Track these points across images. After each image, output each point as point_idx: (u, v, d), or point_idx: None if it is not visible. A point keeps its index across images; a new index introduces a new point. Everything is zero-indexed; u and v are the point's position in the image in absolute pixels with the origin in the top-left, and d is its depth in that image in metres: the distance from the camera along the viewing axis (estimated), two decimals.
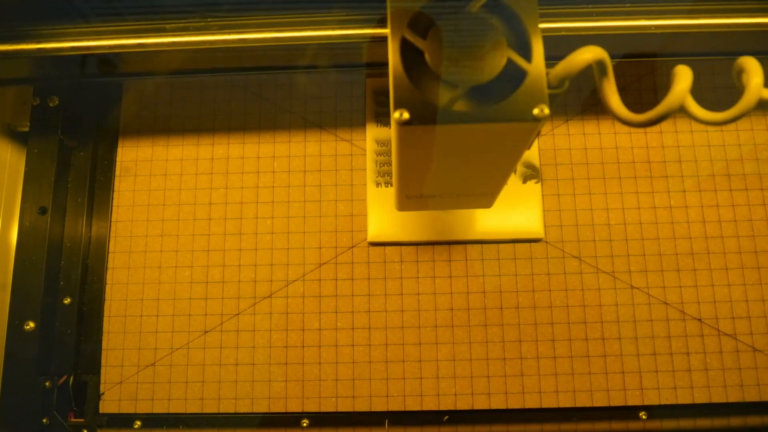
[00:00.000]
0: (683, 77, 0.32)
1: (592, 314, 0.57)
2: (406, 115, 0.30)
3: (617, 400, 0.56)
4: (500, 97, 0.30)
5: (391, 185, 0.59)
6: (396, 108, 0.30)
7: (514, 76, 0.30)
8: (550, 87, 0.31)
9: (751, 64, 0.33)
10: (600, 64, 0.32)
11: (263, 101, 0.63)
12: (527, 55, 0.30)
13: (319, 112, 0.62)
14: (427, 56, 0.30)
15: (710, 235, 0.59)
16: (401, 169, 0.37)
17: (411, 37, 0.31)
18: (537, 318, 0.57)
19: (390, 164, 0.59)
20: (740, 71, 0.33)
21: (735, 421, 0.55)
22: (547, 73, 0.31)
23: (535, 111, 0.30)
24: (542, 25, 0.30)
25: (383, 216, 0.58)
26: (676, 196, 0.59)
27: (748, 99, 0.32)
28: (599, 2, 0.43)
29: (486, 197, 0.44)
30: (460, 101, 0.30)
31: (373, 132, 0.60)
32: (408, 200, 0.43)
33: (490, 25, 0.31)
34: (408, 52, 0.31)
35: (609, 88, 0.33)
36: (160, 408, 0.57)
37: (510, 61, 0.30)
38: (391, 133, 0.41)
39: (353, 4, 0.47)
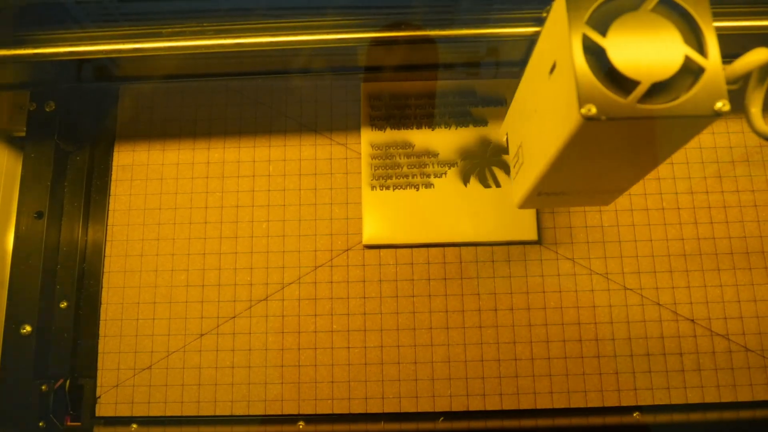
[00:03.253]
0: None
1: (585, 315, 0.58)
2: (593, 110, 0.30)
3: (611, 401, 0.56)
4: (679, 93, 0.31)
5: (387, 188, 0.59)
6: (583, 103, 0.31)
7: (692, 73, 0.31)
8: (727, 83, 0.32)
9: None
10: (765, 68, 0.33)
11: (259, 105, 0.63)
12: (703, 52, 0.31)
13: (315, 116, 0.63)
14: (608, 53, 0.31)
15: (702, 237, 0.59)
16: (556, 165, 0.38)
17: (592, 35, 0.31)
18: (531, 319, 0.58)
19: (386, 167, 0.60)
20: None
21: (728, 420, 0.56)
22: (724, 69, 0.32)
23: (717, 105, 0.31)
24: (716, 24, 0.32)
25: (378, 219, 0.59)
26: (669, 198, 0.60)
27: None
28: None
29: (612, 194, 0.45)
30: (643, 97, 0.31)
31: (368, 136, 0.61)
32: (538, 197, 0.44)
33: (665, 22, 0.32)
34: (585, 49, 0.32)
35: (758, 95, 0.34)
36: (156, 411, 0.57)
37: (687, 58, 0.31)
38: (534, 128, 0.41)
39: (348, 9, 0.48)
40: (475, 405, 0.56)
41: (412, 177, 0.59)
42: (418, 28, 0.48)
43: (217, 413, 0.57)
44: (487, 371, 0.57)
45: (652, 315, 0.58)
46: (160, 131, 0.63)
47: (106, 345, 0.58)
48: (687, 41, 0.32)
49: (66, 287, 0.59)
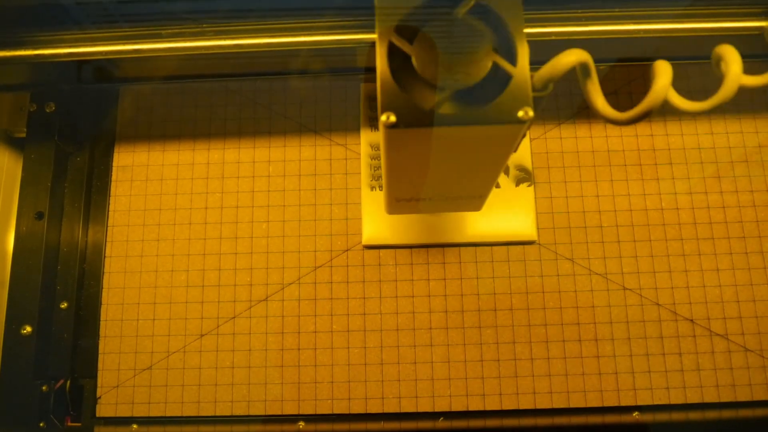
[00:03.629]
0: (664, 72, 0.32)
1: (585, 315, 0.58)
2: (393, 118, 0.30)
3: (611, 401, 0.56)
4: (486, 100, 0.30)
5: None
6: (383, 111, 0.30)
7: (499, 80, 0.31)
8: (534, 90, 0.31)
9: (729, 52, 0.33)
10: (583, 66, 0.32)
11: (258, 106, 0.63)
12: (512, 59, 0.31)
13: (314, 117, 0.63)
14: (414, 60, 0.31)
15: (701, 237, 0.59)
16: (389, 172, 0.38)
17: (398, 42, 0.31)
18: (530, 319, 0.58)
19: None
20: (719, 60, 0.34)
21: (727, 420, 0.56)
22: (532, 77, 0.31)
23: (520, 113, 0.30)
24: (528, 30, 0.31)
25: (378, 219, 0.59)
26: (667, 199, 0.60)
27: (727, 86, 0.33)
28: (586, 7, 0.44)
29: (475, 200, 0.45)
30: (447, 104, 0.31)
31: (367, 136, 0.61)
32: (397, 203, 0.44)
33: (476, 29, 0.32)
34: (395, 56, 0.31)
35: (594, 89, 0.34)
36: (156, 411, 0.57)
37: (495, 65, 0.31)
38: (379, 136, 0.41)
39: (346, 10, 0.48)
40: (475, 405, 0.56)
41: None
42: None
43: (218, 413, 0.57)
44: (486, 371, 0.57)
45: (651, 315, 0.58)
46: (160, 132, 0.63)
47: (106, 345, 0.59)
48: (497, 48, 0.31)
49: (66, 288, 0.59)
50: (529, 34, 0.31)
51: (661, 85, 0.32)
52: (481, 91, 0.31)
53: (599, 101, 0.34)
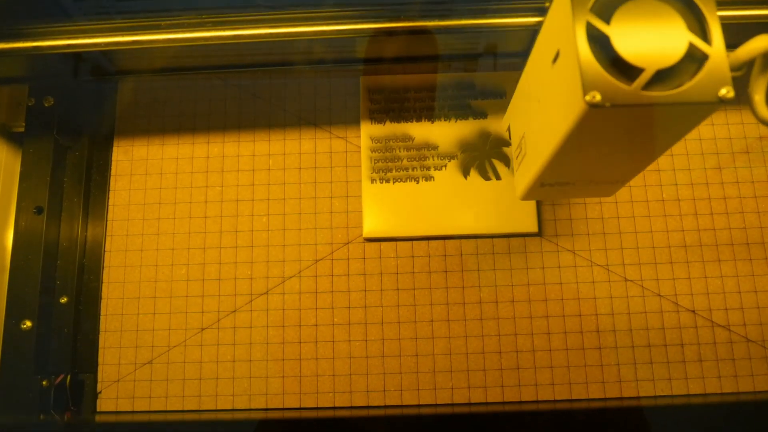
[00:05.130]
0: None
1: (586, 307, 0.58)
2: (598, 97, 0.31)
3: (612, 392, 0.56)
4: (683, 80, 0.31)
5: (387, 181, 0.59)
6: (587, 91, 0.31)
7: (695, 60, 0.31)
8: (731, 70, 0.32)
9: None
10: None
11: (258, 100, 0.63)
12: (707, 40, 0.31)
13: (314, 110, 0.63)
14: (612, 41, 0.31)
15: (702, 228, 0.59)
16: (560, 155, 0.38)
17: (596, 22, 0.31)
18: (532, 311, 0.58)
19: (386, 160, 0.59)
20: None
21: (729, 411, 0.56)
22: (728, 57, 0.32)
23: (721, 92, 0.31)
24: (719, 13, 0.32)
25: (378, 212, 0.59)
26: (669, 190, 0.60)
27: None
28: None
29: (615, 185, 0.45)
30: (648, 84, 0.31)
31: (367, 129, 0.61)
32: (540, 189, 0.44)
33: (669, 10, 0.32)
34: (589, 37, 0.32)
35: (762, 82, 0.34)
36: (157, 405, 0.57)
37: (692, 45, 0.31)
38: (537, 118, 0.41)
39: (347, 0, 0.48)
40: (477, 397, 0.56)
41: (412, 170, 0.59)
42: (418, 19, 0.48)
43: (219, 407, 0.56)
44: (488, 363, 0.57)
45: (653, 306, 0.58)
46: (159, 126, 0.63)
47: (106, 340, 0.58)
48: (691, 29, 0.32)
49: (66, 282, 0.59)
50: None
51: None
52: (677, 71, 0.31)
53: (758, 96, 0.35)
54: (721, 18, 0.32)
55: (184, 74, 0.61)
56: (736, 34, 0.35)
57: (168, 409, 0.57)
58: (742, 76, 0.34)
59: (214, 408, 0.56)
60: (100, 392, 0.57)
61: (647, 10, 0.32)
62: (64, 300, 0.59)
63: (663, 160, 0.61)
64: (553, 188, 0.45)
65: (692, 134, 0.61)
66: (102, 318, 0.59)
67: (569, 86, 0.32)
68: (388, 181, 0.59)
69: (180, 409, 0.57)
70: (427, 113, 0.61)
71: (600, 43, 0.32)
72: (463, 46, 0.60)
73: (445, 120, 0.61)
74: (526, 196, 0.47)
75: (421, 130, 0.60)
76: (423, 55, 0.58)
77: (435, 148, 0.60)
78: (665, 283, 0.58)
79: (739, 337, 0.57)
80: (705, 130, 0.61)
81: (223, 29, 0.46)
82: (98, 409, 0.57)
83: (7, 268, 0.58)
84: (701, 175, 0.60)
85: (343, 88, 0.63)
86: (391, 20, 0.49)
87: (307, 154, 0.62)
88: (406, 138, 0.60)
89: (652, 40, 0.31)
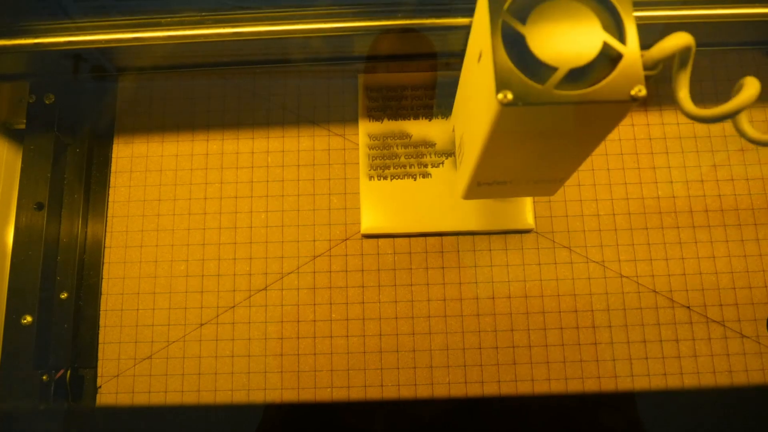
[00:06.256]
0: (753, 86, 0.35)
1: (582, 303, 0.58)
2: (510, 96, 0.31)
3: (608, 387, 0.56)
4: (598, 79, 0.31)
5: (385, 178, 0.60)
6: (500, 89, 0.31)
7: (610, 59, 0.32)
8: (645, 69, 0.32)
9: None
10: (684, 52, 0.34)
11: (257, 97, 0.64)
12: (621, 39, 0.32)
13: (312, 108, 0.63)
14: (527, 40, 0.32)
15: (697, 224, 0.60)
16: (486, 154, 0.38)
17: (511, 21, 0.32)
18: (528, 307, 0.58)
19: (384, 158, 0.60)
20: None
21: (724, 406, 0.56)
22: (642, 56, 0.32)
23: (633, 91, 0.31)
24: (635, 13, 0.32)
25: (376, 209, 0.59)
26: (664, 187, 0.60)
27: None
28: None
29: (554, 184, 0.45)
30: (561, 83, 0.31)
31: (365, 126, 0.61)
32: (478, 187, 0.45)
33: (585, 10, 0.32)
34: (506, 36, 0.32)
35: (683, 78, 0.35)
36: (157, 400, 0.57)
37: (606, 45, 0.32)
38: (463, 119, 0.41)
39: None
40: (473, 392, 0.57)
41: (410, 167, 0.60)
42: (415, 16, 0.49)
43: (217, 402, 0.57)
44: (485, 359, 0.57)
45: (648, 302, 0.58)
46: (160, 123, 0.63)
47: (106, 335, 0.59)
48: (606, 29, 0.32)
49: (66, 278, 0.60)
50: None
51: (747, 96, 0.34)
52: (592, 70, 0.32)
53: (682, 92, 0.35)
54: (639, 18, 0.32)
55: (184, 72, 0.62)
56: (662, 35, 0.36)
57: (167, 403, 0.57)
58: (657, 74, 0.35)
59: (212, 402, 0.57)
60: (100, 387, 0.58)
61: (564, 10, 0.32)
62: (64, 295, 0.59)
63: (657, 158, 0.61)
64: (491, 187, 0.45)
65: (687, 132, 0.62)
66: (102, 313, 0.59)
67: (488, 85, 0.33)
68: (385, 178, 0.60)
69: (179, 403, 0.57)
70: (425, 111, 0.61)
71: (515, 43, 0.32)
72: (461, 43, 0.60)
73: (442, 118, 0.61)
74: (467, 196, 0.47)
75: (418, 128, 0.61)
76: (421, 53, 0.59)
77: (432, 145, 0.60)
78: (660, 279, 0.58)
79: (734, 333, 0.57)
80: (700, 127, 0.62)
81: (223, 27, 0.47)
82: (98, 404, 0.57)
83: (7, 264, 0.59)
84: (696, 173, 0.61)
85: (341, 86, 0.64)
86: (389, 18, 0.49)
87: (306, 152, 0.62)
88: (404, 135, 0.61)
89: (567, 40, 0.32)
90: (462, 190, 0.46)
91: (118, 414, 0.57)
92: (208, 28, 0.47)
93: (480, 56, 0.35)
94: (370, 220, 0.59)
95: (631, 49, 0.32)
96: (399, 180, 0.60)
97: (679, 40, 0.33)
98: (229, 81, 0.64)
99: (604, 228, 0.60)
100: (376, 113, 0.61)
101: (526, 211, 0.59)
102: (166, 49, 0.54)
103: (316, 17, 0.47)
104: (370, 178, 0.60)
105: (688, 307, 0.58)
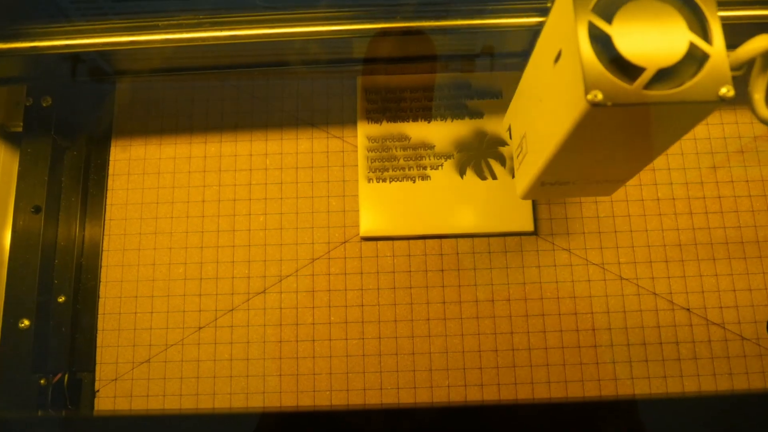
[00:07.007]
0: None
1: (582, 306, 0.58)
2: (600, 96, 0.31)
3: (608, 390, 0.56)
4: (684, 80, 0.31)
5: (384, 181, 0.59)
6: (589, 90, 0.31)
7: (695, 59, 0.32)
8: (731, 69, 0.32)
9: None
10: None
11: (255, 100, 0.63)
12: (707, 39, 0.32)
13: (311, 110, 0.63)
14: (614, 40, 0.32)
15: (697, 227, 0.59)
16: (561, 154, 0.38)
17: (598, 22, 0.32)
18: (528, 310, 0.58)
19: (383, 160, 0.60)
20: None
21: (724, 409, 0.56)
22: (728, 56, 0.32)
23: (722, 91, 0.31)
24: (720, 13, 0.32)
25: (375, 211, 0.59)
26: (663, 189, 0.60)
27: None
28: None
29: (615, 184, 0.45)
30: (649, 83, 0.31)
31: (364, 129, 0.61)
32: (541, 188, 0.44)
33: (670, 10, 0.33)
34: (591, 37, 0.32)
35: (762, 81, 0.35)
36: (155, 404, 0.57)
37: (692, 45, 0.32)
38: (535, 117, 0.41)
39: (344, 0, 0.48)
40: (473, 395, 0.56)
41: (409, 169, 0.60)
42: (415, 19, 0.49)
43: (216, 405, 0.57)
44: (484, 362, 0.57)
45: (648, 305, 0.58)
46: (157, 126, 0.63)
47: (104, 339, 0.59)
48: (691, 28, 0.32)
49: (64, 282, 0.59)
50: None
51: None
52: (677, 70, 0.32)
53: (758, 95, 0.35)
54: (722, 18, 0.32)
55: (182, 74, 0.62)
56: (738, 34, 0.36)
57: (166, 407, 0.57)
58: (741, 75, 0.35)
59: (211, 406, 0.57)
60: (98, 391, 0.58)
61: (648, 10, 0.33)
62: (62, 299, 0.59)
63: (658, 159, 0.61)
64: (553, 187, 0.45)
65: (688, 134, 0.62)
66: (100, 317, 0.59)
67: (571, 85, 0.33)
68: (384, 180, 0.59)
69: (178, 407, 0.57)
70: (424, 113, 0.61)
71: (602, 43, 0.32)
72: (460, 46, 0.60)
73: (441, 120, 0.61)
74: (527, 195, 0.47)
75: (417, 130, 0.61)
76: (420, 56, 0.58)
77: (431, 147, 0.60)
78: (660, 281, 0.58)
79: (734, 335, 0.57)
80: (700, 129, 0.62)
81: (221, 29, 0.47)
82: (96, 408, 0.57)
83: (5, 268, 0.59)
84: (696, 174, 0.61)
85: (340, 88, 0.63)
86: (388, 20, 0.49)
87: (305, 154, 0.62)
88: (403, 138, 0.61)
89: (653, 40, 0.32)
90: (523, 190, 0.46)
91: (116, 418, 0.57)
92: (205, 31, 0.47)
93: (558, 56, 0.35)
94: (369, 223, 0.59)
95: (717, 49, 0.32)
96: (398, 182, 0.59)
97: (766, 41, 0.33)
98: (227, 83, 0.64)
99: (604, 230, 0.59)
100: (375, 115, 0.61)
101: (526, 213, 0.59)
102: (164, 51, 0.53)
103: (315, 20, 0.47)
104: (369, 180, 0.60)
105: (688, 310, 0.58)
